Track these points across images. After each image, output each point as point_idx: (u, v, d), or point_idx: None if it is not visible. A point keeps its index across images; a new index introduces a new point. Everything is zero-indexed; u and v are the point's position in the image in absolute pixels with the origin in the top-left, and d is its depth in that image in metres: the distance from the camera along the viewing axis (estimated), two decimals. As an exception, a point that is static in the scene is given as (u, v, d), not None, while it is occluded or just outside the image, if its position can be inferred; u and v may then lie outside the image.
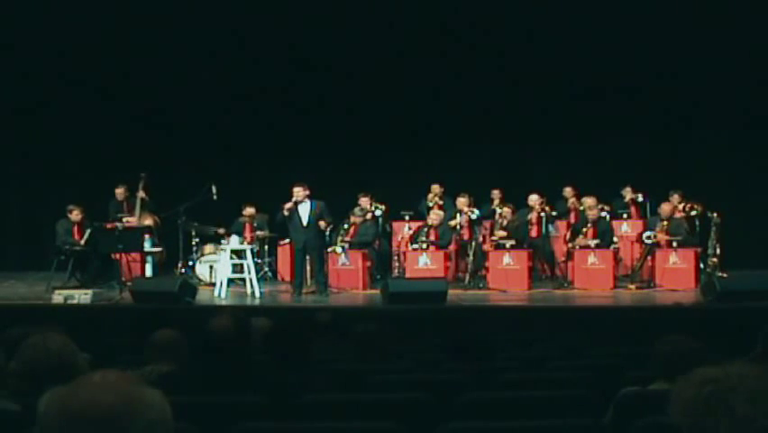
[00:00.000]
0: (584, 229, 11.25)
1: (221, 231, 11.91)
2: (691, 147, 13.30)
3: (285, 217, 10.39)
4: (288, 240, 11.26)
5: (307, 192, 10.28)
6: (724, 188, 12.76)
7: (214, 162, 13.16)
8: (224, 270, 10.58)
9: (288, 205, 10.25)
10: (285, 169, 11.96)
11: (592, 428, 3.34)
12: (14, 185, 14.00)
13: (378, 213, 12.33)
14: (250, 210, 12.11)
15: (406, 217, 12.49)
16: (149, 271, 11.70)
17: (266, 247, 12.21)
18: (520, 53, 13.25)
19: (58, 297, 9.42)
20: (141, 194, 11.99)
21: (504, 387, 4.21)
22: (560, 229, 12.29)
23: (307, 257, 10.61)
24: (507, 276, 10.88)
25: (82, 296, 9.36)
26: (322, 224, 10.34)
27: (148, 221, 11.94)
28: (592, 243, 11.04)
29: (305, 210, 10.28)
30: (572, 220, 12.25)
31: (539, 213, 11.57)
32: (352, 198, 12.22)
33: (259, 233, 11.99)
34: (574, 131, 13.40)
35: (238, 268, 10.74)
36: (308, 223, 10.28)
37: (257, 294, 10.27)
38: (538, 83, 13.26)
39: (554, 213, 11.92)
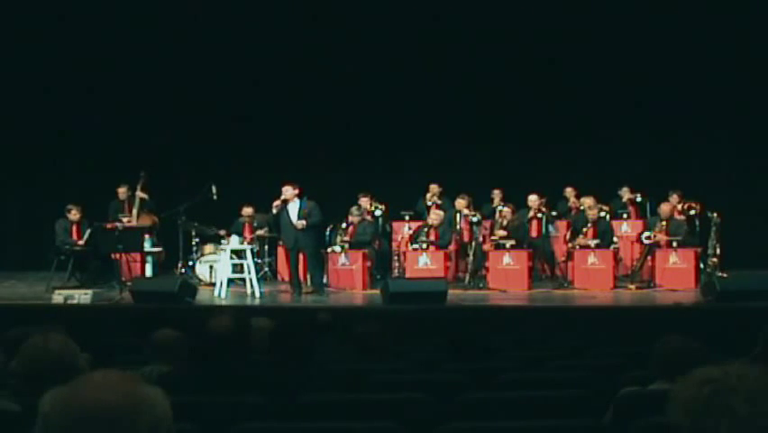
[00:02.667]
0: (584, 229, 11.24)
1: (221, 232, 11.91)
2: (691, 147, 13.29)
3: (274, 216, 10.39)
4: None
5: (296, 191, 10.23)
6: (724, 189, 12.76)
7: (214, 162, 13.16)
8: (223, 270, 10.58)
9: (276, 202, 10.23)
10: (285, 169, 11.96)
11: (592, 428, 3.34)
12: (14, 185, 14.00)
13: (377, 213, 12.32)
14: (247, 210, 12.12)
15: (406, 217, 12.49)
16: (149, 271, 11.70)
17: (266, 247, 12.22)
18: (520, 53, 13.25)
19: (58, 297, 9.41)
20: (139, 193, 11.99)
21: (504, 387, 4.21)
22: (560, 229, 12.30)
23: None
24: (507, 276, 10.88)
25: (82, 296, 9.36)
26: (300, 223, 10.09)
27: (146, 221, 11.94)
28: (592, 243, 11.04)
29: (294, 209, 10.24)
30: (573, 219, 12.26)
31: (537, 214, 11.58)
32: (352, 198, 12.22)
33: (259, 231, 12.00)
34: (574, 131, 13.40)
35: (238, 268, 10.74)
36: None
37: (257, 294, 10.27)
38: (538, 83, 13.25)
39: (554, 213, 11.91)
